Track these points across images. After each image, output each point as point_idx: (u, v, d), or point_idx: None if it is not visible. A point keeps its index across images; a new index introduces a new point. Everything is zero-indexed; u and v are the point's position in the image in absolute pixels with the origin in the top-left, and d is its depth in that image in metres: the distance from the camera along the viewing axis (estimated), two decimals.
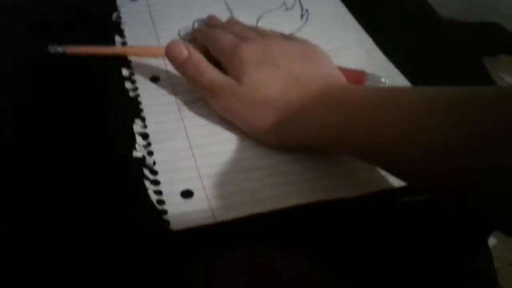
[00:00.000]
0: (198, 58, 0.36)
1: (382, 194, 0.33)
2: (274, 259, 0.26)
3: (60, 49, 0.39)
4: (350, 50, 0.45)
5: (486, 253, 0.39)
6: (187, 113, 0.37)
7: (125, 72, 0.39)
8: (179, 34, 0.44)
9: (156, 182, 0.32)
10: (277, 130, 0.33)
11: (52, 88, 0.38)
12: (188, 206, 0.31)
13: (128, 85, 0.38)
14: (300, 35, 0.42)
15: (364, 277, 0.29)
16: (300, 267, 0.26)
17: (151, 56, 0.41)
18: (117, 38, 0.43)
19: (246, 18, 0.45)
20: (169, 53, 0.36)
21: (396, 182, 0.33)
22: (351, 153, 0.33)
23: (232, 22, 0.43)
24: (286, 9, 0.49)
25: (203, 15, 0.46)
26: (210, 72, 0.35)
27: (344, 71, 0.38)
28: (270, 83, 0.34)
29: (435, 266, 0.31)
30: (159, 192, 0.31)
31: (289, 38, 0.40)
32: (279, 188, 0.33)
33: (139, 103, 0.37)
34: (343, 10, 0.50)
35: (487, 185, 0.25)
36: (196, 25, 0.45)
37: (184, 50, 0.36)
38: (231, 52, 0.36)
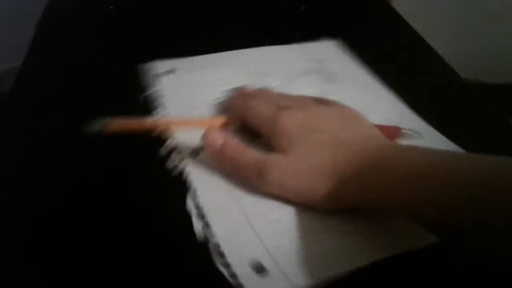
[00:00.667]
0: (235, 141, 0.36)
1: (439, 245, 0.32)
2: None
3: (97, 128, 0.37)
4: (380, 108, 0.45)
5: None
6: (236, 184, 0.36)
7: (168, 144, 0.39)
8: (212, 105, 0.44)
9: (226, 265, 0.30)
10: (330, 196, 0.33)
11: (93, 173, 0.36)
12: (265, 283, 0.29)
13: (170, 161, 0.37)
14: (330, 97, 0.43)
15: None
16: None
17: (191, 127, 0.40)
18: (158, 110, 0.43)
19: (276, 85, 0.46)
20: (206, 142, 0.36)
21: None
22: (404, 214, 0.32)
23: (265, 91, 0.43)
24: (313, 74, 0.50)
25: (235, 86, 0.46)
26: (251, 152, 0.35)
27: (379, 127, 0.38)
28: (319, 151, 0.33)
29: None
30: (233, 275, 0.29)
31: (325, 101, 0.40)
32: (346, 248, 0.32)
33: (185, 178, 0.36)
34: (366, 73, 0.51)
35: None
36: (229, 95, 0.45)
37: (219, 136, 0.36)
38: (272, 122, 0.36)
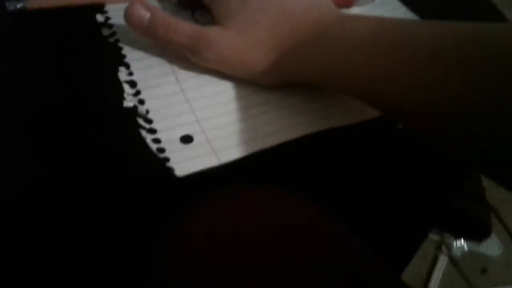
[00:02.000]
0: (164, 16, 0.32)
1: (378, 120, 0.33)
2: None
3: (19, 5, 0.35)
4: None
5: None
6: (173, 56, 0.35)
7: (100, 17, 0.37)
8: None
9: (152, 131, 0.30)
10: (270, 69, 0.32)
11: (22, 47, 0.35)
12: (189, 151, 0.30)
13: (105, 31, 0.36)
14: None
15: (363, 203, 0.29)
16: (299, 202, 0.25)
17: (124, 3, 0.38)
18: None
19: None
20: (129, 20, 0.32)
21: None
22: (345, 89, 0.31)
23: None
24: None
25: None
26: (185, 27, 0.32)
27: None
28: (259, 22, 0.32)
29: (430, 187, 0.31)
30: (157, 141, 0.30)
31: None
32: (278, 123, 0.32)
33: (120, 48, 0.35)
34: None
35: (484, 123, 0.23)
36: None
37: (144, 12, 0.32)
38: None
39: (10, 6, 0.35)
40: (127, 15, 0.32)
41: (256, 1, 0.32)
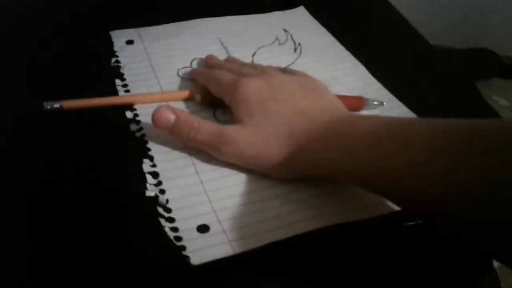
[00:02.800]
0: (188, 117, 0.35)
1: (389, 217, 0.33)
2: None
3: (56, 105, 0.39)
4: (345, 79, 0.46)
5: (492, 274, 0.39)
6: (194, 150, 0.37)
7: (129, 114, 0.40)
8: (178, 74, 0.45)
9: (171, 220, 0.32)
10: (286, 163, 0.34)
11: (55, 141, 0.38)
12: (205, 240, 0.31)
13: (133, 126, 0.39)
14: (296, 67, 0.44)
15: None
16: None
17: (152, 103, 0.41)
18: (118, 82, 0.43)
19: (242, 55, 0.46)
20: (156, 123, 0.35)
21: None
22: (357, 183, 0.33)
23: (230, 60, 0.44)
24: (280, 44, 0.51)
25: (200, 55, 0.47)
26: (206, 127, 0.35)
27: (343, 98, 0.39)
28: (276, 120, 0.34)
29: None
30: (175, 229, 0.31)
31: (288, 71, 0.41)
32: (291, 216, 0.33)
33: (145, 142, 0.37)
34: (333, 41, 0.52)
35: (495, 218, 0.24)
36: (194, 64, 0.46)
37: (170, 115, 0.35)
38: (232, 89, 0.37)
39: (47, 106, 0.39)
40: (154, 118, 0.35)
41: (274, 103, 0.35)
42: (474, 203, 0.25)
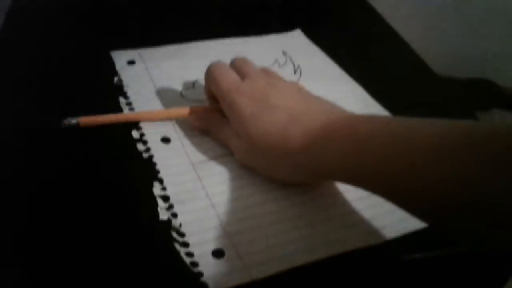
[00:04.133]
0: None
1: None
2: None
3: (74, 121, 0.39)
4: (346, 101, 0.47)
5: None
6: (203, 172, 0.37)
7: (135, 134, 0.39)
8: (181, 94, 0.45)
9: (185, 244, 0.31)
10: (286, 175, 0.35)
11: (64, 159, 0.37)
12: (222, 266, 0.30)
13: (140, 146, 0.38)
14: None
15: None
16: None
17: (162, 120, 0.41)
18: (122, 99, 0.43)
19: None
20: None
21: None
22: (356, 184, 0.32)
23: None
24: (279, 65, 0.51)
25: (202, 76, 0.46)
26: (223, 131, 0.38)
27: None
28: (270, 129, 0.34)
29: None
30: (190, 254, 0.31)
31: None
32: (309, 240, 0.33)
33: (154, 164, 0.37)
34: (331, 64, 0.53)
35: (506, 218, 0.24)
36: (197, 86, 0.46)
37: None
38: (227, 99, 0.37)
39: (65, 121, 0.39)
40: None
41: (268, 112, 0.35)
42: (484, 205, 0.25)
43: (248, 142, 0.35)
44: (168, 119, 0.41)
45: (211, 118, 0.40)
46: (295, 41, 0.56)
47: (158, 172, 0.36)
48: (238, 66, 0.40)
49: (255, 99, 0.36)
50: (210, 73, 0.40)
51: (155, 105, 0.43)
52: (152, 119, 0.41)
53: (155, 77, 0.46)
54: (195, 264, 0.30)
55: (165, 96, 0.44)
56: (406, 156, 0.28)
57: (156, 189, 0.35)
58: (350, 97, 0.48)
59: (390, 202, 0.31)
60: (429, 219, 0.29)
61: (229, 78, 0.38)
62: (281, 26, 0.58)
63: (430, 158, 0.27)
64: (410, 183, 0.28)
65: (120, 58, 0.48)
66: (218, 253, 0.31)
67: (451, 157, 0.26)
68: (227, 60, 0.42)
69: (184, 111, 0.41)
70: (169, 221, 0.32)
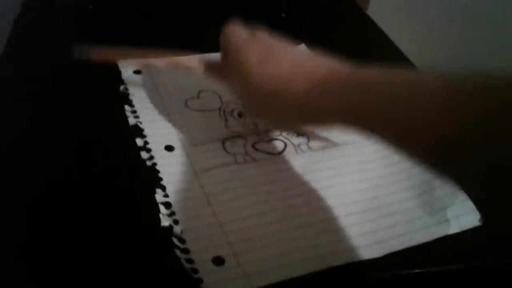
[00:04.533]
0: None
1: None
2: None
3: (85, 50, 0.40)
4: None
5: None
6: (206, 180, 0.37)
7: (139, 142, 0.40)
8: (186, 103, 0.45)
9: (186, 251, 0.31)
10: (291, 114, 0.35)
11: (68, 163, 0.37)
12: (222, 274, 0.30)
13: (144, 154, 0.38)
14: None
15: None
16: None
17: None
18: (127, 107, 0.43)
19: None
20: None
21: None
22: (359, 125, 0.31)
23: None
24: None
25: (206, 87, 0.47)
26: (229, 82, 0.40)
27: None
28: (274, 75, 0.35)
29: None
30: (190, 261, 0.31)
31: None
32: (312, 251, 0.33)
33: (157, 171, 0.37)
34: None
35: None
36: (202, 96, 0.46)
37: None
38: (238, 49, 0.37)
39: (77, 51, 0.40)
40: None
41: (271, 65, 0.35)
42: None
43: (254, 88, 0.35)
44: (177, 67, 0.43)
45: (221, 67, 0.41)
46: None
47: (161, 179, 0.36)
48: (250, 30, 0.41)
49: (261, 51, 0.36)
50: (225, 30, 0.41)
51: (160, 113, 0.43)
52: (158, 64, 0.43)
53: (160, 87, 0.47)
54: (195, 270, 0.30)
55: (170, 105, 0.45)
56: (408, 102, 0.28)
57: (159, 196, 0.35)
58: None
59: (386, 143, 0.30)
60: (424, 158, 0.29)
61: (240, 34, 0.39)
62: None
63: (434, 102, 0.27)
64: (411, 124, 0.28)
65: (126, 67, 0.48)
66: (218, 261, 0.31)
67: (457, 102, 0.26)
68: None
69: (194, 59, 0.43)
70: (170, 228, 0.33)
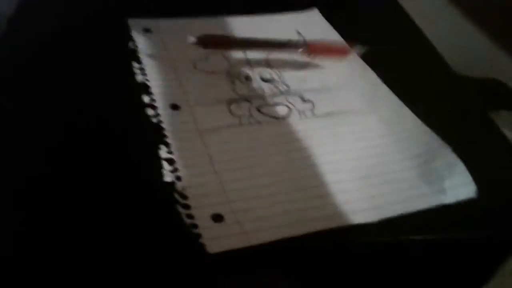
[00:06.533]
0: None
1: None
2: None
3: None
4: (362, 91, 0.47)
5: None
6: (210, 140, 0.38)
7: (146, 99, 0.40)
8: (194, 65, 0.45)
9: (187, 206, 0.32)
10: None
11: (73, 116, 0.38)
12: (220, 230, 0.31)
13: (149, 111, 0.39)
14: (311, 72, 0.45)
15: None
16: None
17: None
18: (135, 64, 0.44)
19: (257, 55, 0.48)
20: None
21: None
22: None
23: None
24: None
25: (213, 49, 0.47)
26: None
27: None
28: None
29: None
30: (190, 216, 0.32)
31: None
32: (311, 211, 0.34)
33: (162, 128, 0.38)
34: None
35: None
36: (210, 57, 0.46)
37: None
38: None
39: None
40: None
41: None
42: None
43: None
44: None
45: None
46: (311, 21, 0.56)
47: (165, 136, 0.37)
48: None
49: None
50: None
51: (167, 73, 0.44)
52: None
53: (169, 46, 0.47)
54: (194, 225, 0.31)
55: (178, 64, 0.45)
56: None
57: (163, 152, 0.36)
58: (359, 81, 0.48)
59: None
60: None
61: None
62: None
63: None
64: None
65: (136, 25, 0.48)
66: (217, 218, 0.32)
67: None
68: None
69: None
70: (172, 183, 0.33)
